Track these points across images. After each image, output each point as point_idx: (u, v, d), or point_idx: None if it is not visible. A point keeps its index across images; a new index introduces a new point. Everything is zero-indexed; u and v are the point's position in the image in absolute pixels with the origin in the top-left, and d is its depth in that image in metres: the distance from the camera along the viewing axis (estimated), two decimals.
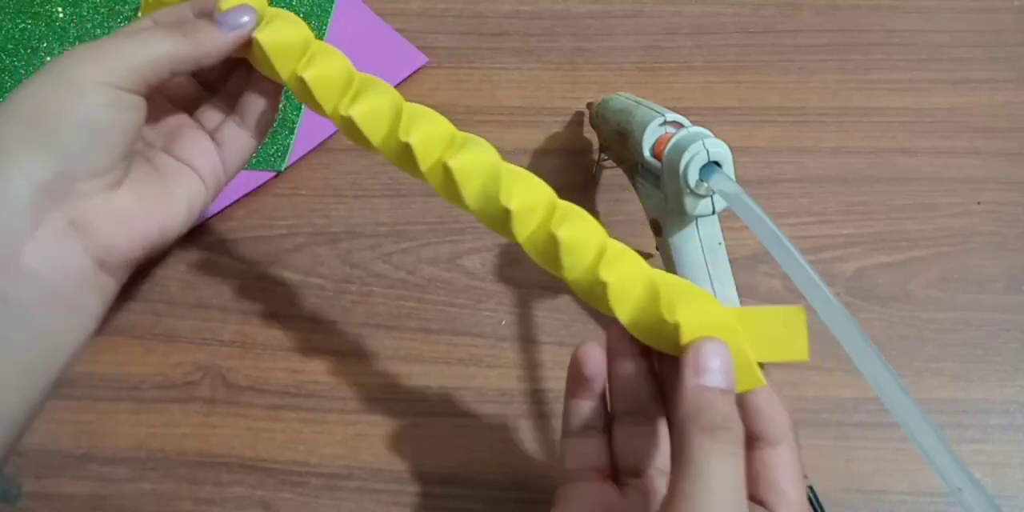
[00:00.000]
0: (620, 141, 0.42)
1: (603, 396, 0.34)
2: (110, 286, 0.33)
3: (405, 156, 0.33)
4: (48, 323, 0.30)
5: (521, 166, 0.34)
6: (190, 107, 0.39)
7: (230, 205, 0.49)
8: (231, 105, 0.38)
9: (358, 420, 0.44)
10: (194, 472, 0.43)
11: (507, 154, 0.51)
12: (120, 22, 0.54)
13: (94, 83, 0.31)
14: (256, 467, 0.43)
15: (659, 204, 0.40)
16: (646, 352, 0.32)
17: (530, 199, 0.33)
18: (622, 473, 0.33)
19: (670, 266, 0.41)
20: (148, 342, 0.46)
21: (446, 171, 0.32)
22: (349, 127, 0.34)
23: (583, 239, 0.33)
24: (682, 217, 0.39)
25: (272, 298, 0.47)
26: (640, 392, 0.32)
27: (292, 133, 0.50)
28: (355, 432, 0.44)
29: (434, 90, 0.52)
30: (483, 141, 0.34)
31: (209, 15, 0.35)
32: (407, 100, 0.34)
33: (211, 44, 0.34)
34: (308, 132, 0.51)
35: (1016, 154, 0.50)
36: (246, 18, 0.34)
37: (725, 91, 0.52)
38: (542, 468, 0.43)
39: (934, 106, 0.52)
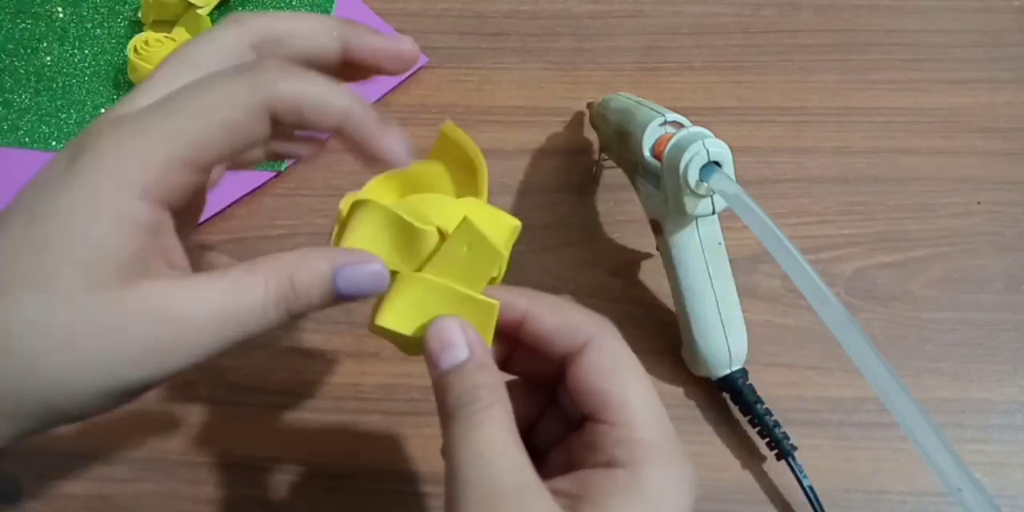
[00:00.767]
0: (620, 141, 0.42)
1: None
2: None
3: None
4: None
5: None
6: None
7: (230, 205, 0.49)
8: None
9: (358, 420, 0.44)
10: (194, 472, 0.43)
11: (507, 154, 0.51)
12: (120, 22, 0.54)
13: None
14: (256, 467, 0.43)
15: (659, 204, 0.40)
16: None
17: None
18: None
19: (670, 266, 0.41)
20: None
21: None
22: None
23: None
24: (682, 217, 0.39)
25: None
26: None
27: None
28: (355, 432, 0.44)
29: (434, 90, 0.52)
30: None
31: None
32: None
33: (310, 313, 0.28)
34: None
35: (1016, 154, 0.50)
36: (370, 290, 0.29)
37: (725, 91, 0.52)
38: None
39: (934, 106, 0.52)
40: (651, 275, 0.47)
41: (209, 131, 0.26)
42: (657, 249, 0.43)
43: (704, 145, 0.36)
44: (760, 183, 0.50)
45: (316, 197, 0.50)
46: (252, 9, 0.54)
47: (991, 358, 0.45)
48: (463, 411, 0.27)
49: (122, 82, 0.52)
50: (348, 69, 0.31)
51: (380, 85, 0.51)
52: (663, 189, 0.38)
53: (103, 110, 0.51)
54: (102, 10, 0.54)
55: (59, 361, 0.25)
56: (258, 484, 0.43)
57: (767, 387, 0.44)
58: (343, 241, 0.30)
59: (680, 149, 0.36)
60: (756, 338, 0.45)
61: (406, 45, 0.31)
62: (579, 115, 0.51)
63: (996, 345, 0.45)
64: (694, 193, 0.37)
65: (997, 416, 0.44)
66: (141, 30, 0.53)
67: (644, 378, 0.29)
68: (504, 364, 0.32)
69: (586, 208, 0.49)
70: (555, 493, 0.26)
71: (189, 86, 0.27)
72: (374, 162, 0.29)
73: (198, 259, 0.33)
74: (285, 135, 0.32)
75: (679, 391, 0.44)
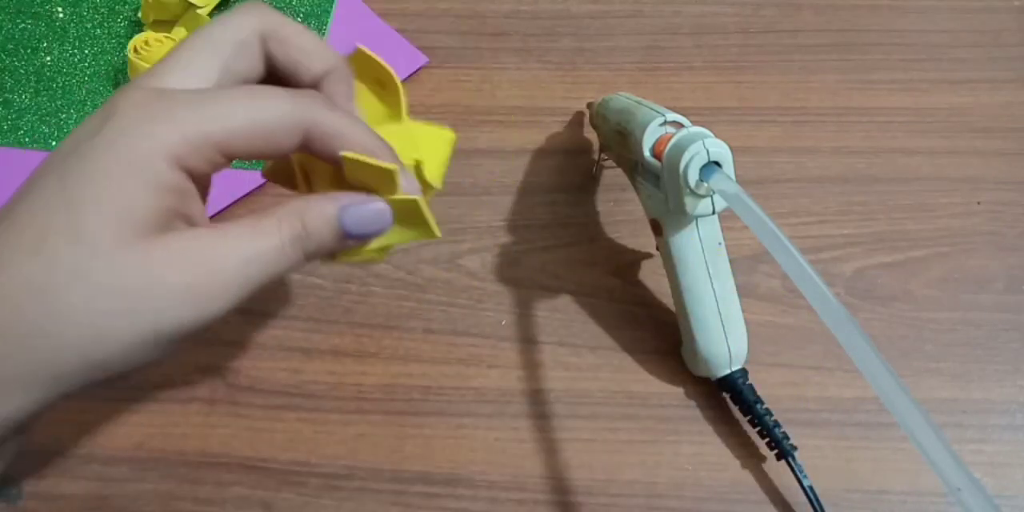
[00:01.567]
0: (620, 141, 0.42)
1: None
2: None
3: None
4: None
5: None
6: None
7: (230, 205, 0.49)
8: None
9: (358, 420, 0.44)
10: (194, 472, 0.43)
11: (507, 154, 0.51)
12: (120, 22, 0.54)
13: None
14: (256, 467, 0.43)
15: (659, 204, 0.40)
16: None
17: None
18: None
19: (670, 266, 0.41)
20: None
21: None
22: None
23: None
24: (682, 217, 0.39)
25: (272, 298, 0.47)
26: None
27: None
28: (355, 432, 0.44)
29: (434, 90, 0.52)
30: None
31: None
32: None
33: (324, 253, 0.30)
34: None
35: (1016, 154, 0.50)
36: (376, 227, 0.31)
37: (725, 91, 0.52)
38: (542, 468, 0.43)
39: (934, 106, 0.52)
40: (651, 275, 0.47)
41: (248, 126, 0.28)
42: (657, 249, 0.43)
43: (704, 145, 0.36)
44: (760, 183, 0.50)
45: None
46: None
47: (991, 358, 0.45)
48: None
49: (122, 82, 0.52)
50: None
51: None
52: (663, 189, 0.38)
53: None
54: (102, 10, 0.54)
55: (99, 310, 0.26)
56: (258, 484, 0.43)
57: (767, 387, 0.44)
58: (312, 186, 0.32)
59: (680, 149, 0.36)
60: (756, 338, 0.45)
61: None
62: (579, 115, 0.51)
63: (996, 345, 0.45)
64: (694, 193, 0.37)
65: (997, 416, 0.44)
66: (141, 30, 0.53)
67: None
68: None
69: (586, 208, 0.49)
70: None
71: (242, 87, 0.29)
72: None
73: None
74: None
75: (679, 391, 0.44)
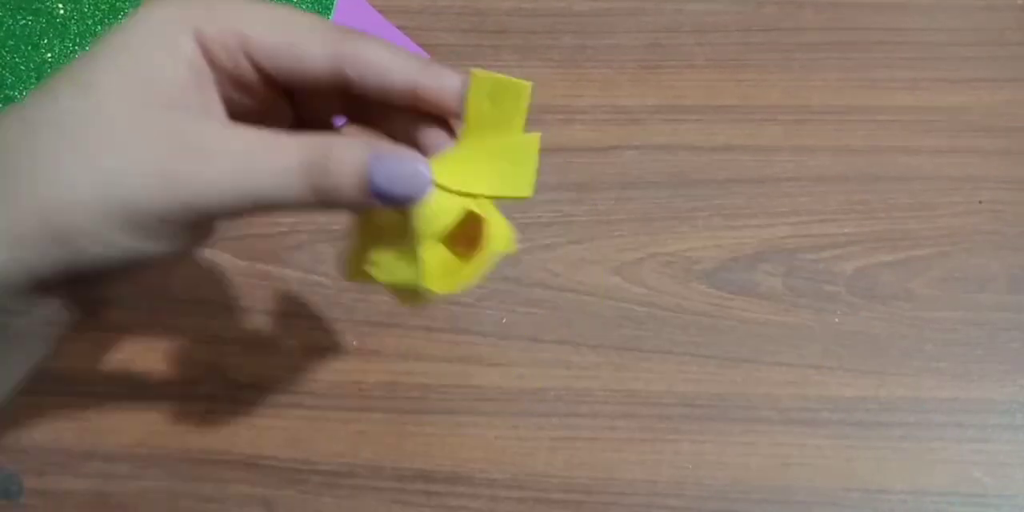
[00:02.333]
0: None
1: None
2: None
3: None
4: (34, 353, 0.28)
5: None
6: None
7: None
8: None
9: (359, 418, 0.44)
10: (195, 469, 0.43)
11: None
12: (121, 19, 0.54)
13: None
14: (257, 465, 0.43)
15: None
16: None
17: None
18: None
19: None
20: (149, 339, 0.46)
21: None
22: None
23: None
24: None
25: (273, 296, 0.47)
26: None
27: None
28: (356, 430, 0.44)
29: None
30: None
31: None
32: None
33: (340, 203, 0.26)
34: None
35: (1018, 153, 0.50)
36: (407, 190, 0.26)
37: (727, 89, 0.52)
38: (543, 467, 0.43)
39: (936, 105, 0.52)
40: (652, 273, 0.47)
41: (277, 29, 0.26)
42: None
43: None
44: (761, 181, 0.50)
45: None
46: None
47: (992, 358, 0.45)
48: None
49: None
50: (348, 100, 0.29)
51: None
52: None
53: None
54: (103, 7, 0.54)
55: (68, 161, 0.24)
56: (259, 482, 0.43)
57: (767, 385, 0.44)
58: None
59: None
60: (757, 337, 0.45)
61: (443, 80, 0.28)
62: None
63: (997, 345, 0.45)
64: None
65: (997, 416, 0.44)
66: None
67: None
68: None
69: (587, 206, 0.49)
70: None
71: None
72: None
73: None
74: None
75: (680, 390, 0.44)
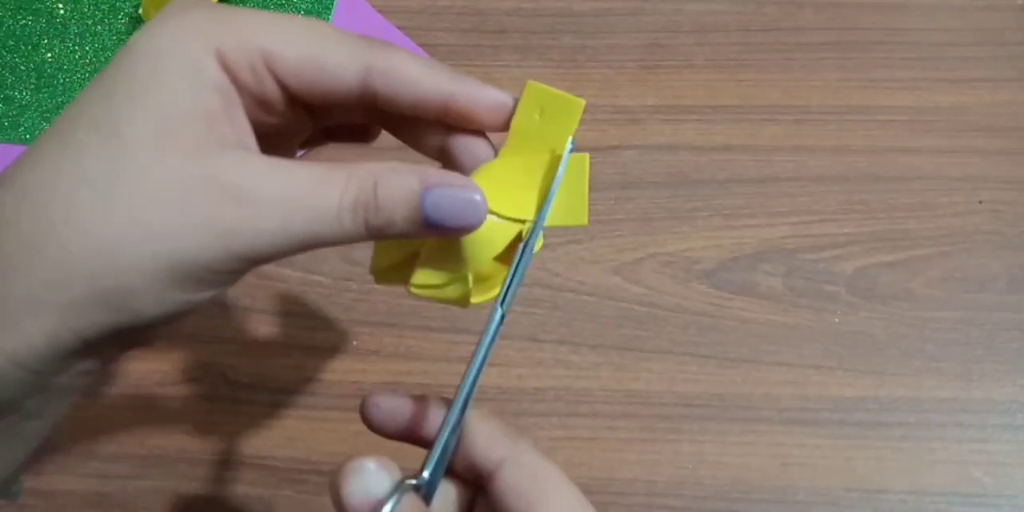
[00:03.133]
0: None
1: None
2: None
3: None
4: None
5: None
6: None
7: None
8: None
9: (358, 418, 0.44)
10: (194, 469, 0.43)
11: None
12: (121, 19, 0.54)
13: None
14: (256, 464, 0.43)
15: None
16: None
17: None
18: None
19: None
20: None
21: None
22: None
23: None
24: None
25: (273, 296, 0.47)
26: None
27: None
28: (355, 430, 0.44)
29: None
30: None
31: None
32: None
33: (392, 236, 0.25)
34: None
35: (1018, 153, 0.50)
36: (462, 220, 0.25)
37: (727, 89, 0.52)
38: None
39: (935, 105, 0.52)
40: (651, 273, 0.47)
41: (302, 43, 0.25)
42: None
43: None
44: (761, 181, 0.50)
45: None
46: (250, 7, 0.54)
47: (992, 357, 0.45)
48: None
49: None
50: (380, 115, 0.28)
51: None
52: None
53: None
54: (103, 6, 0.54)
55: (108, 220, 0.22)
56: (258, 481, 0.43)
57: (767, 385, 0.44)
58: None
59: None
60: (756, 337, 0.45)
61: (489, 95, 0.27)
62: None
63: (997, 345, 0.45)
64: None
65: (997, 416, 0.44)
66: (141, 27, 0.53)
67: (567, 493, 0.27)
68: None
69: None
70: None
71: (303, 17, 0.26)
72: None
73: None
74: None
75: (679, 390, 0.44)
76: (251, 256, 0.23)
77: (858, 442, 0.43)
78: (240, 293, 0.47)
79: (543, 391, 0.45)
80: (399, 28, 0.54)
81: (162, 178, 0.22)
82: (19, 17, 0.54)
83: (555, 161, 0.27)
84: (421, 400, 0.30)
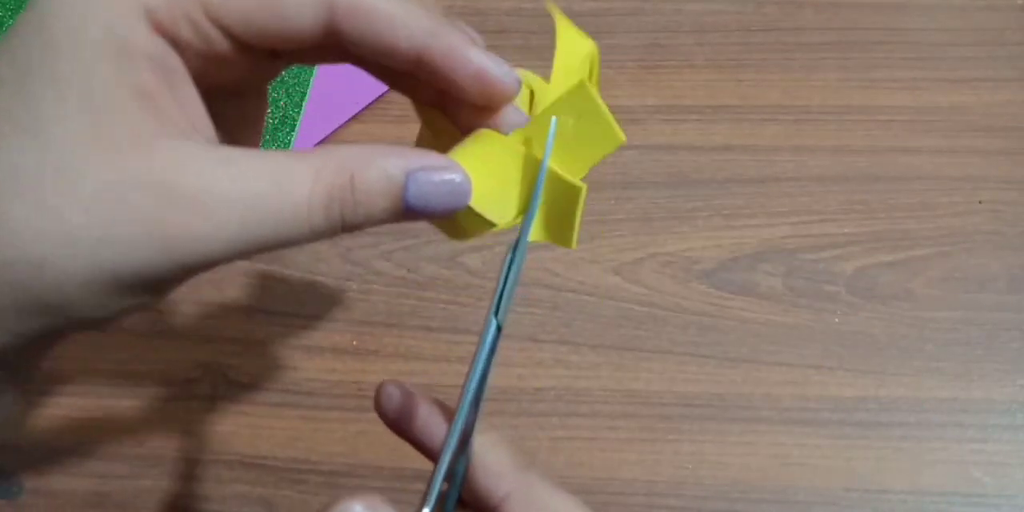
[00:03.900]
0: None
1: None
2: None
3: None
4: None
5: None
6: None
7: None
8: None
9: (358, 418, 0.44)
10: (194, 469, 0.43)
11: None
12: None
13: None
14: (256, 464, 0.43)
15: None
16: None
17: None
18: None
19: None
20: (149, 339, 0.46)
21: None
22: None
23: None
24: None
25: (273, 296, 0.47)
26: None
27: (293, 131, 0.50)
28: (355, 430, 0.44)
29: None
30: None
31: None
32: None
33: (368, 226, 0.23)
34: (309, 130, 0.51)
35: (1018, 153, 0.50)
36: (446, 204, 0.23)
37: (726, 89, 0.52)
38: (542, 466, 0.43)
39: (936, 105, 0.52)
40: (651, 273, 0.47)
41: None
42: None
43: None
44: (761, 181, 0.49)
45: None
46: None
47: (992, 357, 0.45)
48: None
49: None
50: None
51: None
52: None
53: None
54: None
55: (44, 231, 0.19)
56: (257, 481, 0.43)
57: (767, 385, 0.44)
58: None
59: None
60: (757, 337, 0.45)
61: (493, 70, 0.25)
62: None
63: (997, 345, 0.45)
64: None
65: (997, 416, 0.44)
66: None
67: None
68: None
69: (586, 206, 0.49)
70: None
71: None
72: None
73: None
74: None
75: (679, 389, 0.44)
76: (201, 263, 0.21)
77: (858, 442, 0.43)
78: (240, 293, 0.47)
79: (543, 391, 0.45)
80: None
81: (96, 180, 0.20)
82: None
83: (555, 181, 0.25)
84: (434, 405, 0.28)
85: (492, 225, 0.25)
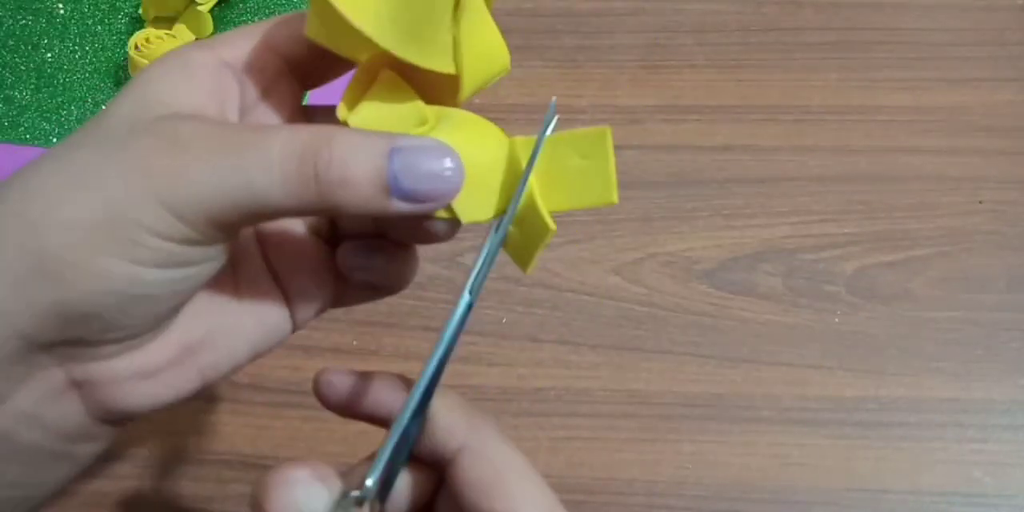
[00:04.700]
0: None
1: None
2: (111, 433, 0.25)
3: None
4: (21, 476, 0.23)
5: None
6: None
7: None
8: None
9: None
10: (195, 469, 0.43)
11: None
12: (121, 19, 0.54)
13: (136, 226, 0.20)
14: (257, 464, 0.43)
15: None
16: None
17: None
18: None
19: None
20: None
21: None
22: None
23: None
24: None
25: None
26: None
27: None
28: (355, 430, 0.44)
29: None
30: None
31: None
32: None
33: (352, 203, 0.22)
34: None
35: (1018, 153, 0.50)
36: (438, 187, 0.22)
37: (727, 89, 0.52)
38: (543, 467, 0.43)
39: (936, 105, 0.52)
40: (651, 273, 0.47)
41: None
42: None
43: None
44: (761, 181, 0.49)
45: None
46: (252, 7, 0.54)
47: (992, 357, 0.45)
48: None
49: (123, 79, 0.52)
50: None
51: None
52: None
53: (103, 106, 0.51)
54: (103, 6, 0.54)
55: (47, 178, 0.21)
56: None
57: (767, 385, 0.44)
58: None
59: None
60: (757, 337, 0.45)
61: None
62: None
63: (997, 344, 0.45)
64: None
65: (997, 416, 0.44)
66: (142, 27, 0.53)
67: (530, 486, 0.25)
68: None
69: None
70: None
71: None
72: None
73: None
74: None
75: (679, 389, 0.44)
76: (185, 213, 0.20)
77: (858, 442, 0.43)
78: None
79: (543, 391, 0.45)
80: None
81: (107, 136, 0.21)
82: (19, 17, 0.54)
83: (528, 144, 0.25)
84: (379, 379, 0.28)
85: (456, 220, 0.25)
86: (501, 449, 0.25)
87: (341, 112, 0.23)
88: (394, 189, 0.21)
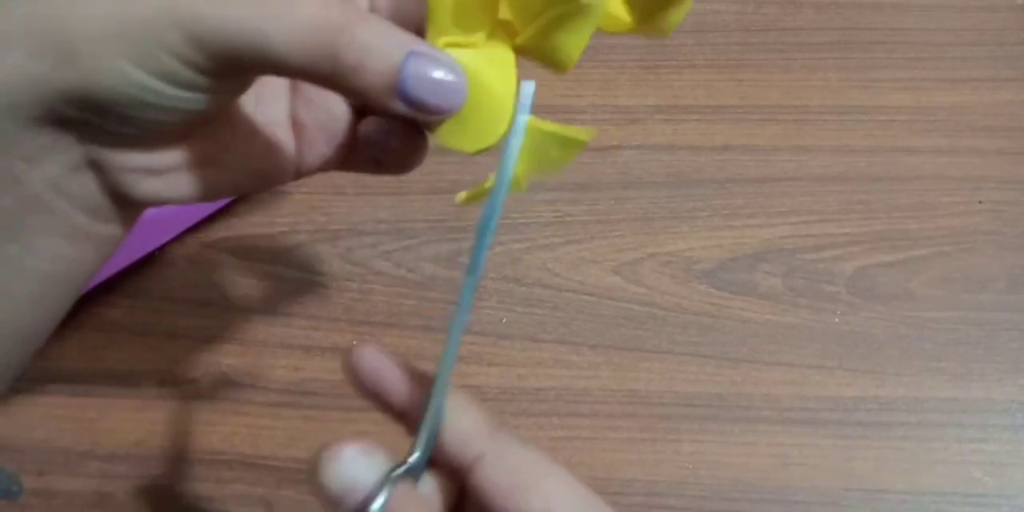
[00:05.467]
0: None
1: None
2: (131, 216, 0.26)
3: None
4: (59, 248, 0.25)
5: None
6: None
7: (231, 202, 0.49)
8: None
9: (359, 418, 0.44)
10: (195, 469, 0.43)
11: None
12: None
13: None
14: (257, 465, 0.43)
15: None
16: None
17: None
18: None
19: None
20: (150, 339, 0.46)
21: None
22: None
23: None
24: None
25: (273, 296, 0.47)
26: None
27: None
28: (356, 430, 0.44)
29: None
30: None
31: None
32: None
33: (357, 88, 0.23)
34: None
35: (1018, 153, 0.50)
36: (440, 99, 0.23)
37: (726, 89, 0.52)
38: None
39: (935, 105, 0.52)
40: (651, 273, 0.47)
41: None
42: None
43: None
44: (761, 181, 0.50)
45: (317, 195, 0.50)
46: None
47: (992, 357, 0.45)
48: None
49: None
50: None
51: None
52: None
53: None
54: None
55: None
56: (258, 481, 0.43)
57: (767, 385, 0.44)
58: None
59: None
60: (756, 337, 0.45)
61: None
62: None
63: (997, 344, 0.45)
64: None
65: (997, 415, 0.44)
66: None
67: (559, 480, 0.25)
68: None
69: (586, 206, 0.49)
70: None
71: None
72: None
73: None
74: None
75: (679, 389, 0.44)
76: (202, 42, 0.21)
77: (858, 442, 0.43)
78: (240, 293, 0.47)
79: (543, 391, 0.45)
80: None
81: None
82: None
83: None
84: (406, 369, 0.29)
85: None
86: (521, 451, 0.25)
87: None
88: (400, 89, 0.22)
